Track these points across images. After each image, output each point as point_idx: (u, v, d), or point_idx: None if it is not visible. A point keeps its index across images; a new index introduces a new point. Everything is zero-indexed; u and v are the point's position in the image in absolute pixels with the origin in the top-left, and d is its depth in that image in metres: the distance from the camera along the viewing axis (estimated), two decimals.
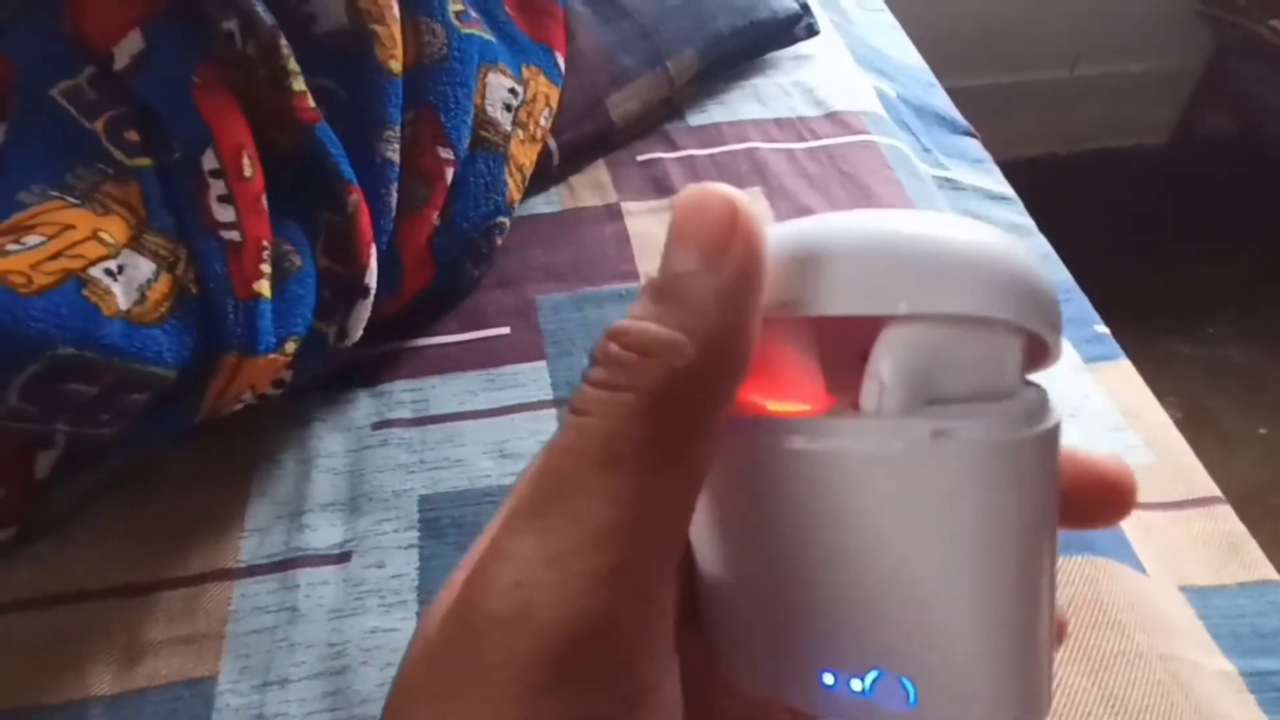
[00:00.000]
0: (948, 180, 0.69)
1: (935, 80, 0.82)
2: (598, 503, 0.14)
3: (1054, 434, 0.15)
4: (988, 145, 0.75)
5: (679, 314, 0.14)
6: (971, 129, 0.76)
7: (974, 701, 0.14)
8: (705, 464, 0.15)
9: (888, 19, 0.90)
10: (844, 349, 0.15)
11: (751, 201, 0.15)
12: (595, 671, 0.13)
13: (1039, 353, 0.16)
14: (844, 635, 0.15)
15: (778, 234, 0.15)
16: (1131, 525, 0.46)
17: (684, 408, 0.14)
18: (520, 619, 0.13)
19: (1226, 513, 0.48)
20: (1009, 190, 0.69)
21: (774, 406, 0.16)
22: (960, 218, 0.15)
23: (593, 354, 0.15)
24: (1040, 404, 0.15)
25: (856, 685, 0.15)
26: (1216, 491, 0.49)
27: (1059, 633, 0.17)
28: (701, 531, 0.17)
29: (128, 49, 0.48)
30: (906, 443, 0.14)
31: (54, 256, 0.39)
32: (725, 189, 0.15)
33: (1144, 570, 0.43)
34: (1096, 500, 0.17)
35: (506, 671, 0.13)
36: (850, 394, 0.15)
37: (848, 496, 0.14)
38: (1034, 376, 0.16)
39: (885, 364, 0.14)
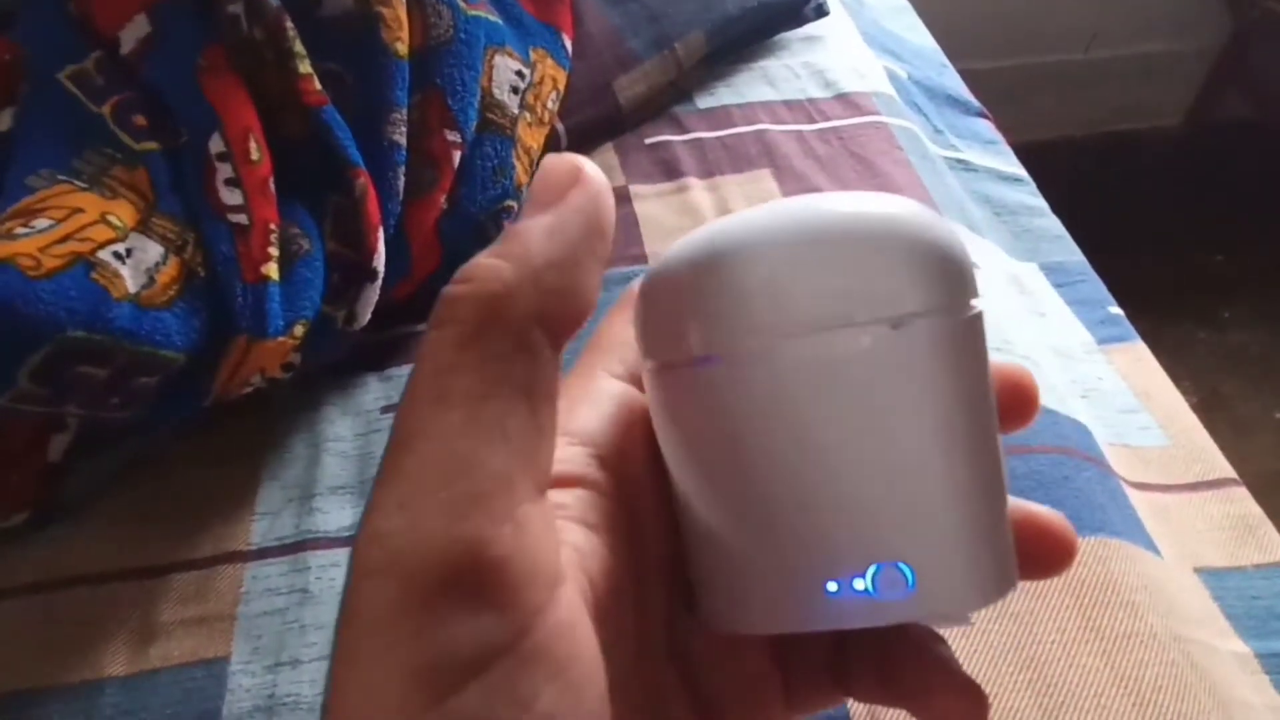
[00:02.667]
0: (959, 161, 0.69)
1: (947, 62, 0.81)
2: (436, 440, 0.14)
3: (982, 315, 0.16)
4: (1001, 128, 0.74)
5: (506, 248, 0.15)
6: (984, 110, 0.75)
7: (966, 566, 0.16)
8: (542, 388, 0.15)
9: (899, 0, 0.89)
10: None
11: (597, 171, 0.16)
12: (462, 602, 0.13)
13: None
14: (840, 540, 0.16)
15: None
16: (1146, 507, 0.45)
17: (503, 332, 0.15)
18: (387, 567, 0.13)
19: (1242, 494, 0.47)
20: (1022, 171, 0.69)
21: None
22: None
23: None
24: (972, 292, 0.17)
25: (860, 584, 0.16)
26: (1232, 473, 0.48)
27: None
28: (682, 482, 0.17)
29: (134, 33, 0.48)
30: (874, 336, 0.15)
31: (63, 240, 0.40)
32: (577, 158, 0.16)
33: (1158, 552, 0.42)
34: (1035, 549, 0.18)
35: (379, 623, 0.13)
36: None
37: (826, 404, 0.15)
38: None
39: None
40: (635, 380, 0.19)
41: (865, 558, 0.15)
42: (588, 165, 0.16)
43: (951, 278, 0.16)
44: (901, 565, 0.15)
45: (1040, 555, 0.18)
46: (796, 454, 0.15)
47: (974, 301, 0.16)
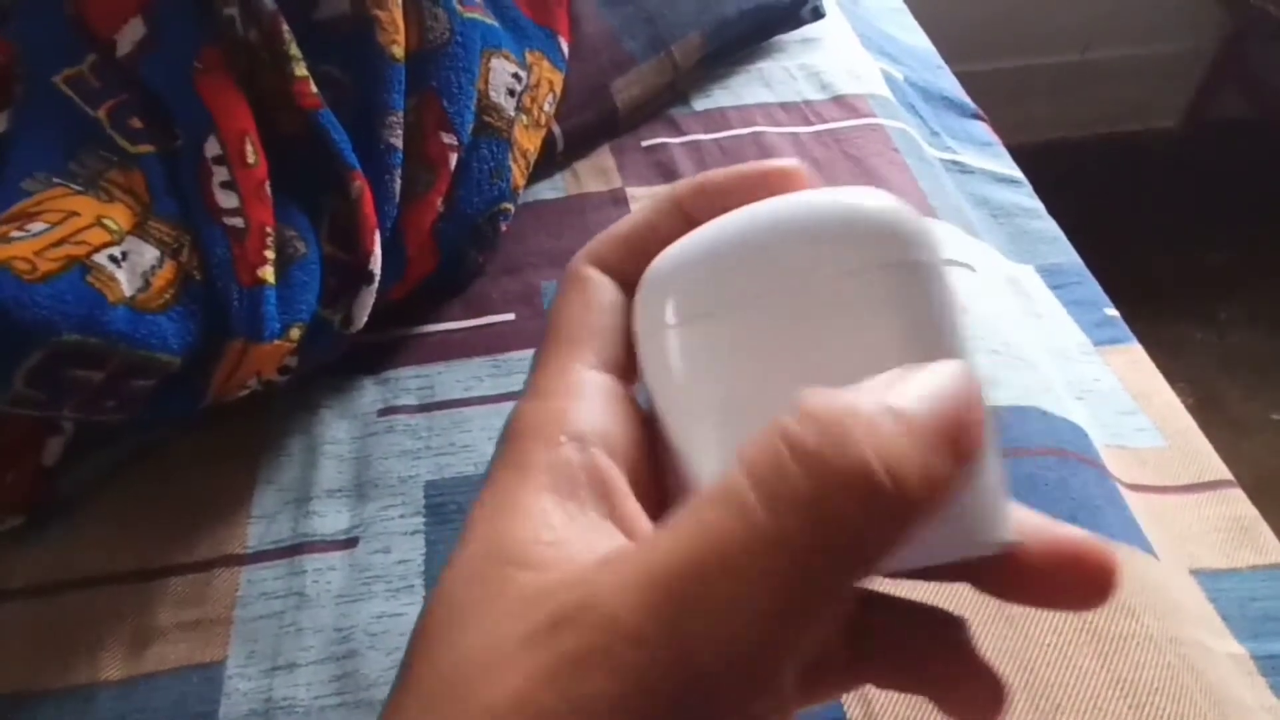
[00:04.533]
0: (955, 163, 0.69)
1: (943, 63, 0.81)
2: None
3: (927, 265, 0.17)
4: (998, 130, 0.74)
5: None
6: (980, 112, 0.75)
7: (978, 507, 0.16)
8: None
9: (895, 2, 0.89)
10: None
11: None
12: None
13: None
14: None
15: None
16: (1142, 508, 0.45)
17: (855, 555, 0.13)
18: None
19: (1238, 496, 0.47)
20: (1018, 173, 0.69)
21: None
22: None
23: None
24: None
25: None
26: (1228, 475, 0.48)
27: None
28: (685, 438, 0.18)
29: (130, 36, 0.48)
30: (830, 282, 0.17)
31: (58, 243, 0.40)
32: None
33: (1155, 554, 0.42)
34: (1068, 578, 0.16)
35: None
36: None
37: (817, 343, 0.16)
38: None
39: None
40: (613, 369, 0.18)
41: None
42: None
43: (876, 240, 0.17)
44: None
45: (1070, 589, 0.16)
46: (754, 399, 0.17)
47: (918, 255, 0.17)
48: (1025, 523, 0.17)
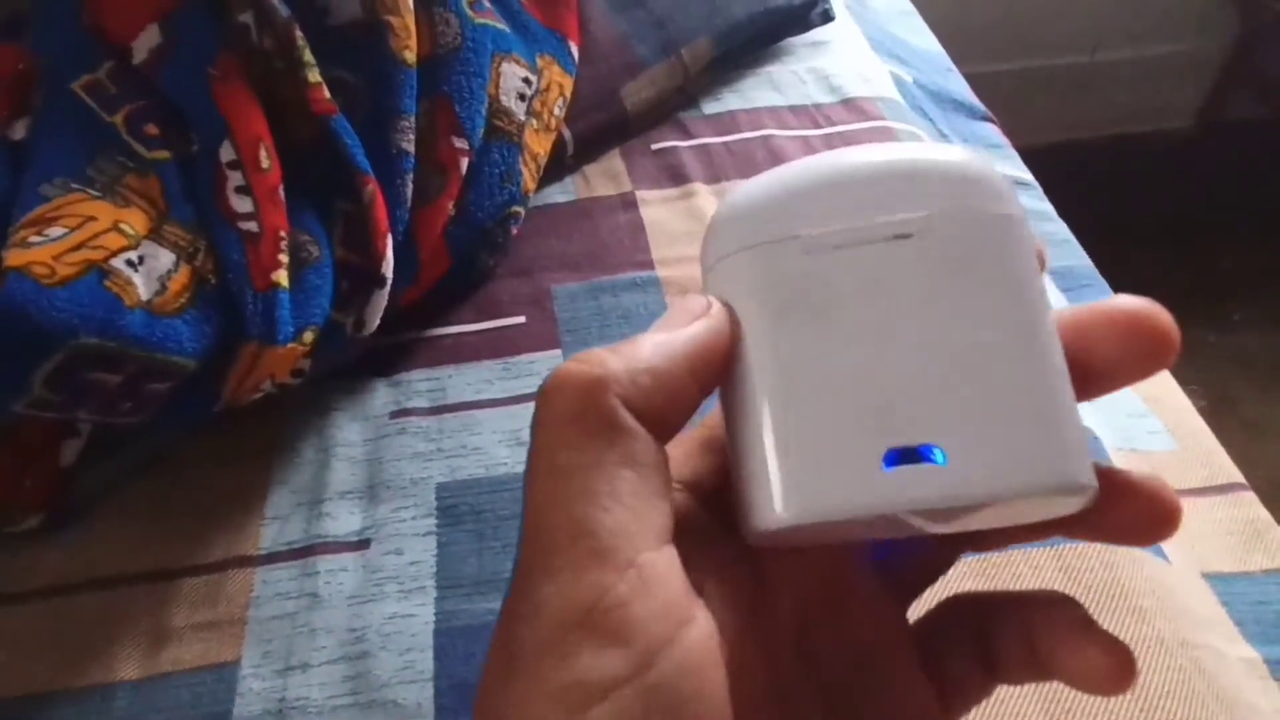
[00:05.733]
0: None
1: (953, 66, 0.81)
2: (558, 508, 0.16)
3: (1010, 218, 0.18)
4: (1008, 132, 0.74)
5: (620, 347, 0.18)
6: (989, 114, 0.75)
7: (1008, 441, 0.16)
8: (643, 458, 0.17)
9: (904, 4, 0.89)
10: None
11: (724, 312, 0.19)
12: (594, 642, 0.16)
13: None
14: (895, 411, 0.17)
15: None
16: None
17: (599, 411, 0.17)
18: (534, 616, 0.16)
19: (1250, 499, 0.47)
20: (1028, 175, 0.69)
21: None
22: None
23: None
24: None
25: (909, 454, 0.16)
26: (1240, 478, 0.48)
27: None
28: (729, 385, 0.19)
29: (146, 43, 0.48)
30: (899, 231, 0.17)
31: (76, 248, 0.40)
32: (711, 299, 0.19)
33: (1166, 557, 0.42)
34: (1140, 513, 0.18)
35: (531, 655, 0.16)
36: None
37: (865, 302, 0.17)
38: None
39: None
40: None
41: (917, 431, 0.16)
42: (716, 305, 0.19)
43: (967, 186, 0.18)
44: (941, 445, 0.16)
45: (1143, 523, 0.18)
46: (838, 345, 0.17)
47: (996, 206, 0.18)
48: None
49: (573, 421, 0.17)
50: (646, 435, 0.17)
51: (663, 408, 0.17)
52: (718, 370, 0.18)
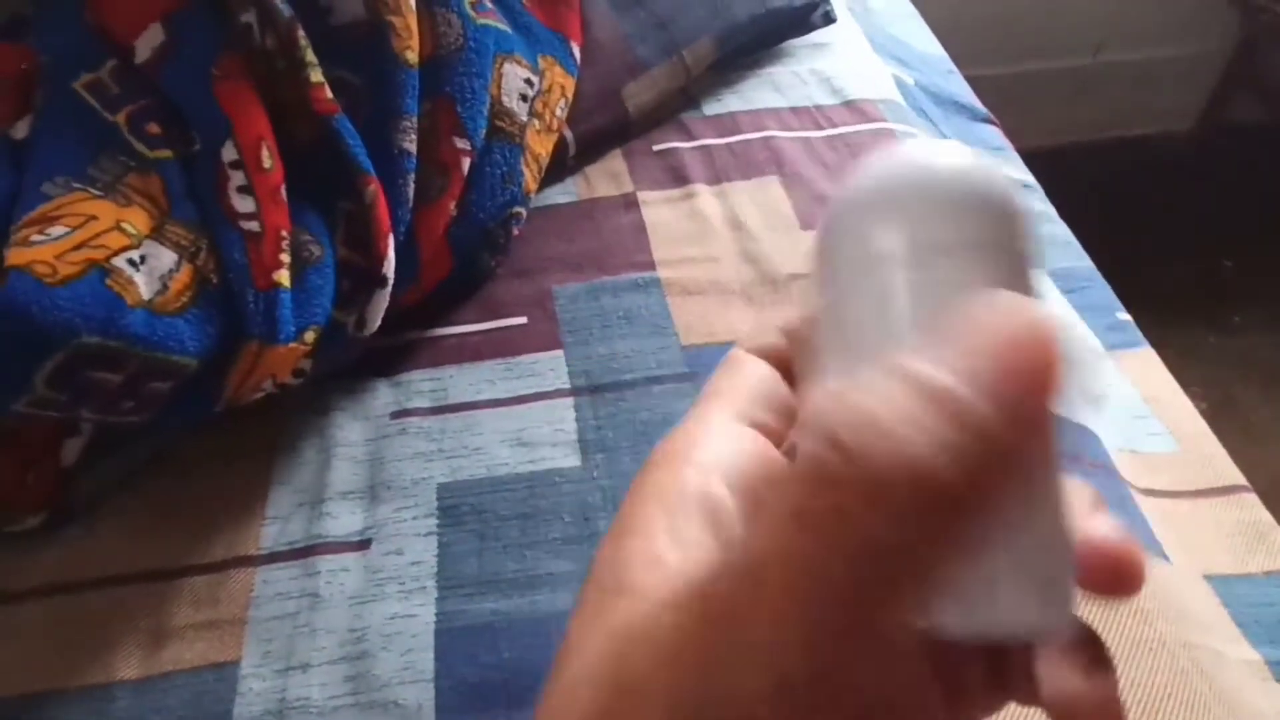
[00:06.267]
0: None
1: (954, 68, 0.81)
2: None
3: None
4: (1010, 134, 0.74)
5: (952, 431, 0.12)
6: (991, 116, 0.75)
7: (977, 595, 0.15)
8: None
9: (906, 7, 0.89)
10: None
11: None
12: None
13: None
14: None
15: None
16: (1155, 513, 0.45)
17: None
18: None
19: (1252, 501, 0.47)
20: (1029, 177, 0.69)
21: None
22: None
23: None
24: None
25: None
26: (1242, 480, 0.48)
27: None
28: None
29: (149, 42, 0.48)
30: (925, 257, 0.16)
31: (78, 247, 0.40)
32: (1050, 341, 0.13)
33: (1167, 558, 0.42)
34: (1103, 577, 0.17)
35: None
36: None
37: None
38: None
39: None
40: (753, 424, 0.19)
41: None
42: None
43: (984, 215, 0.17)
44: None
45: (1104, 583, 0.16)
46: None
47: (1006, 239, 0.17)
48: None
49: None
50: None
51: None
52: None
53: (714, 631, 0.13)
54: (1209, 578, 0.43)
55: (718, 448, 0.18)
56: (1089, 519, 0.17)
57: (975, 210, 0.17)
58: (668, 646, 0.13)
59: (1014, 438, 0.12)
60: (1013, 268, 0.17)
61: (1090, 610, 0.37)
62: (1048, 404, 0.13)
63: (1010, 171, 0.69)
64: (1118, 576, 0.16)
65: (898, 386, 0.12)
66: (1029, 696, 0.18)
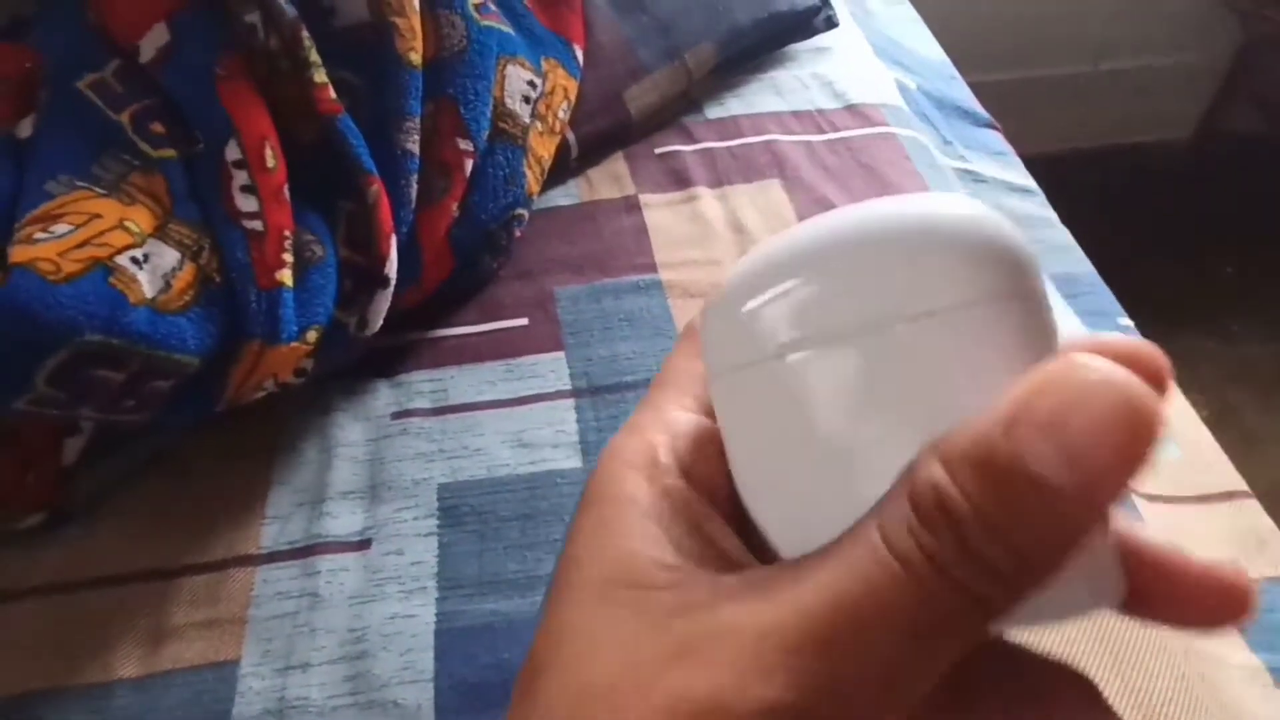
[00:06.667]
0: (969, 172, 0.69)
1: (956, 73, 0.81)
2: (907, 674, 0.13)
3: (1033, 296, 0.16)
4: (1011, 141, 0.74)
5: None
6: (993, 121, 0.75)
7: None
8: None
9: (908, 11, 0.89)
10: None
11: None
12: None
13: None
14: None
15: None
16: (1155, 518, 0.45)
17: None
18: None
19: (1253, 507, 0.47)
20: (1031, 183, 0.69)
21: None
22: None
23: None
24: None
25: None
26: (1243, 485, 0.48)
27: None
28: (752, 486, 0.17)
29: (153, 42, 0.48)
30: (925, 317, 0.15)
31: (81, 245, 0.40)
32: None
33: None
34: (1212, 603, 0.16)
35: None
36: None
37: (888, 398, 0.15)
38: None
39: None
40: (706, 412, 0.19)
41: None
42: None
43: (991, 267, 0.15)
44: None
45: (1214, 611, 0.16)
46: (852, 451, 0.15)
47: (1023, 286, 0.15)
48: (1158, 547, 0.16)
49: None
50: None
51: None
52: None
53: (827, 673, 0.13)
54: None
55: (681, 450, 0.17)
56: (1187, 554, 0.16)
57: (987, 260, 0.15)
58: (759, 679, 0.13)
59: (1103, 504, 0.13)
60: (1033, 318, 0.15)
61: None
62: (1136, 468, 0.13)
63: (1012, 176, 0.69)
64: (1232, 600, 0.16)
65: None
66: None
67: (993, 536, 0.13)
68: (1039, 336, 0.15)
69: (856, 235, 0.15)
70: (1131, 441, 0.12)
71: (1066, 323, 0.57)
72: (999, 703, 0.17)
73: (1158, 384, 0.16)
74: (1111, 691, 0.36)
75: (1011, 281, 0.15)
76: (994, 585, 0.13)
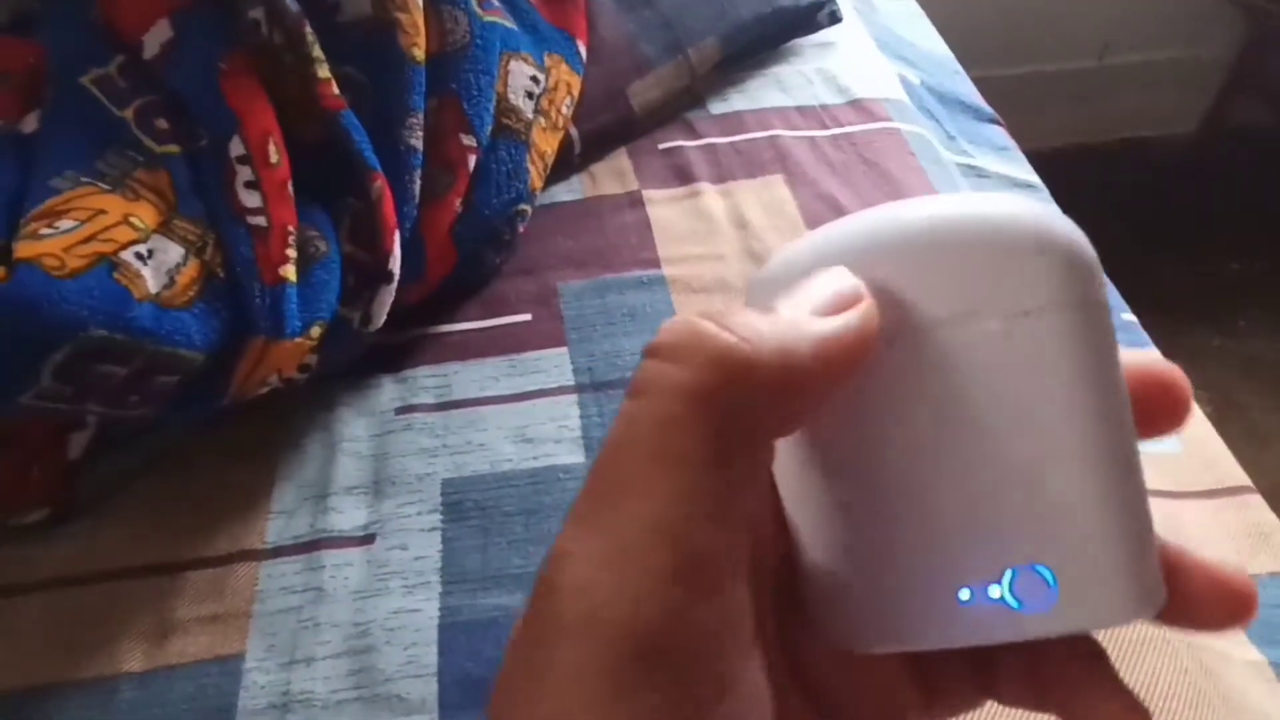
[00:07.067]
0: (972, 168, 0.69)
1: (960, 68, 0.81)
2: (652, 500, 0.13)
3: (1106, 306, 0.16)
4: (1014, 136, 0.74)
5: (776, 318, 0.14)
6: (997, 117, 0.75)
7: (1113, 571, 0.15)
8: (760, 472, 0.14)
9: (912, 6, 0.89)
10: None
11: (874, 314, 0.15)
12: (668, 672, 0.13)
13: None
14: (971, 546, 0.15)
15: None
16: (1159, 514, 0.45)
17: (746, 400, 0.14)
18: (587, 624, 0.13)
19: (1257, 503, 0.47)
20: (1034, 178, 0.69)
21: None
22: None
23: (661, 326, 0.14)
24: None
25: (995, 591, 0.15)
26: (1247, 481, 0.48)
27: None
28: (801, 502, 0.17)
29: (157, 38, 0.48)
30: (1004, 323, 0.14)
31: (86, 240, 0.40)
32: (862, 287, 0.15)
33: None
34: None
35: (581, 680, 0.13)
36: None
37: (954, 400, 0.15)
38: None
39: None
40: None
41: (1000, 561, 0.14)
42: (866, 295, 0.15)
43: (1074, 272, 0.15)
44: (1040, 568, 0.14)
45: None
46: (922, 455, 0.15)
47: (1097, 293, 0.16)
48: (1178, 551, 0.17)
49: (704, 401, 0.13)
50: (772, 442, 0.15)
51: (797, 410, 0.15)
52: (848, 380, 0.15)
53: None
54: None
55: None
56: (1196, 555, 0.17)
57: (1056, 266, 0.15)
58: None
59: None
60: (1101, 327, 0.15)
61: None
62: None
63: (1016, 172, 0.69)
64: (1235, 603, 0.16)
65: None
66: (1013, 700, 0.18)
67: None
68: (1112, 338, 0.16)
69: (939, 234, 0.15)
70: None
71: None
72: (1018, 670, 0.18)
73: (1178, 406, 0.17)
74: None
75: (1093, 286, 0.15)
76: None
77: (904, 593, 0.15)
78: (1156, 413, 0.17)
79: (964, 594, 0.15)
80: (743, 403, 0.14)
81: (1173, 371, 0.17)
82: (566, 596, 0.13)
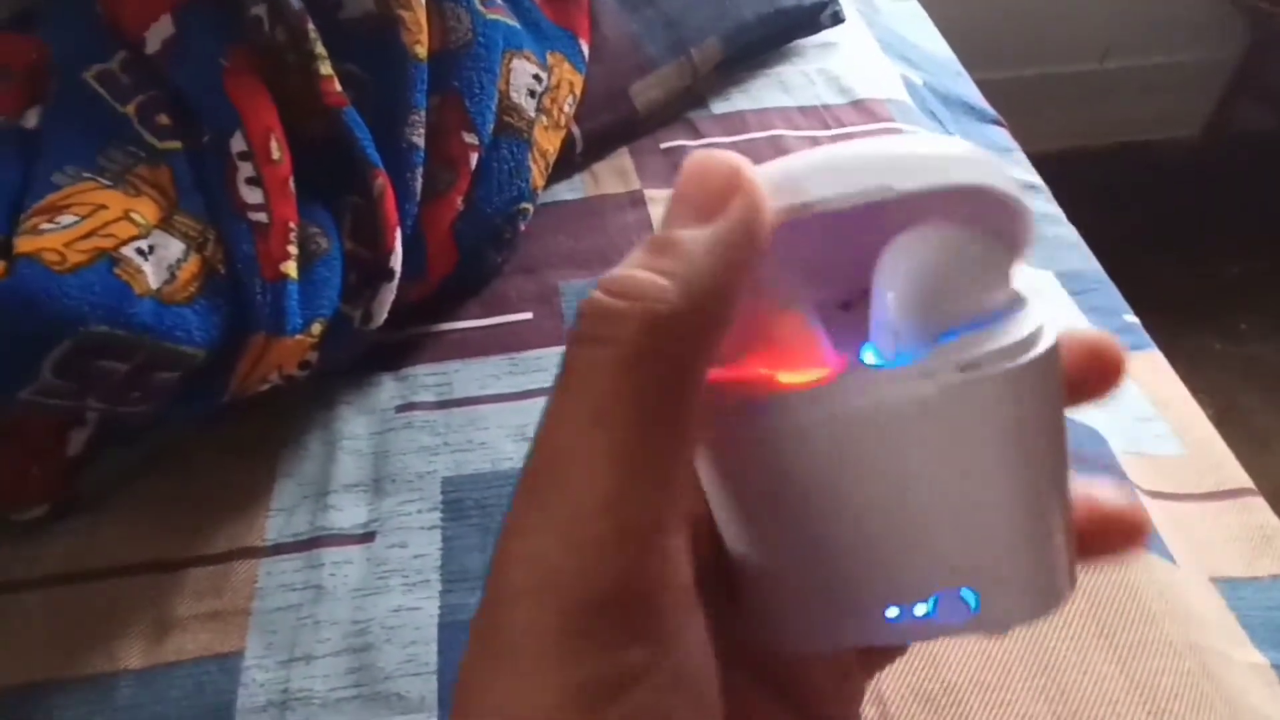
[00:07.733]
0: None
1: (963, 70, 0.81)
2: (592, 469, 0.14)
3: (1057, 347, 0.16)
4: (1017, 138, 0.74)
5: (667, 262, 0.14)
6: (999, 118, 0.75)
7: (1029, 591, 0.16)
8: (693, 419, 0.15)
9: (914, 7, 0.89)
10: (839, 295, 0.17)
11: (756, 174, 0.15)
12: (617, 630, 0.14)
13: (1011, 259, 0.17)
14: (901, 570, 0.15)
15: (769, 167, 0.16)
16: (1161, 516, 0.45)
17: (667, 360, 0.14)
18: (537, 590, 0.14)
19: (1260, 505, 0.47)
20: (1037, 179, 0.69)
21: (786, 378, 0.16)
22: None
23: (580, 307, 0.15)
24: (1036, 314, 0.16)
25: (920, 610, 0.15)
26: (1249, 483, 0.48)
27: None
28: (729, 512, 0.17)
29: (159, 33, 0.48)
30: (939, 384, 0.14)
31: (87, 235, 0.40)
32: (730, 155, 0.15)
33: (1174, 560, 0.42)
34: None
35: (536, 641, 0.14)
36: (854, 342, 0.16)
37: (887, 448, 0.15)
38: None
39: (890, 305, 0.15)
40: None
41: (926, 588, 0.15)
42: (747, 167, 0.15)
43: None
44: (965, 592, 0.15)
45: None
46: (862, 492, 0.15)
47: (1041, 341, 0.16)
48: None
49: (628, 369, 0.14)
50: (702, 384, 0.15)
51: (723, 334, 0.15)
52: (758, 262, 0.15)
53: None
54: (1216, 581, 0.43)
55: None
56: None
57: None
58: None
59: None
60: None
61: (1095, 609, 0.37)
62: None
63: (1018, 173, 0.69)
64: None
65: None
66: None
67: None
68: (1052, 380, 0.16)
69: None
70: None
71: (1069, 319, 0.57)
72: None
73: (1108, 370, 0.18)
74: (1116, 687, 0.36)
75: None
76: None
77: (832, 608, 0.16)
78: (1088, 379, 0.18)
79: (891, 612, 0.16)
80: (668, 357, 0.14)
81: (1102, 338, 0.18)
82: (517, 566, 0.14)
